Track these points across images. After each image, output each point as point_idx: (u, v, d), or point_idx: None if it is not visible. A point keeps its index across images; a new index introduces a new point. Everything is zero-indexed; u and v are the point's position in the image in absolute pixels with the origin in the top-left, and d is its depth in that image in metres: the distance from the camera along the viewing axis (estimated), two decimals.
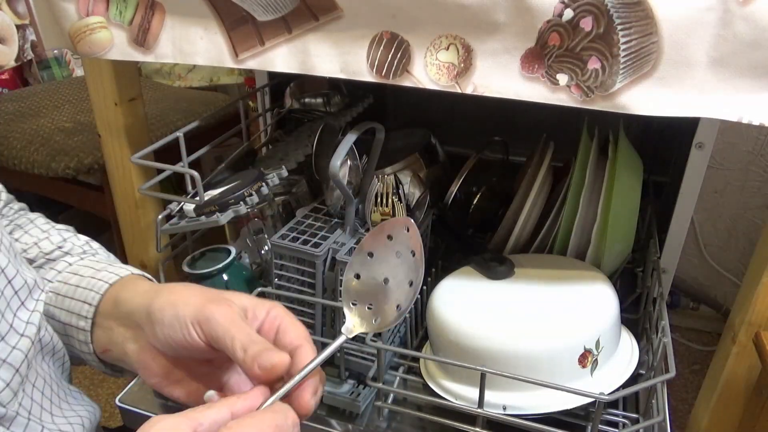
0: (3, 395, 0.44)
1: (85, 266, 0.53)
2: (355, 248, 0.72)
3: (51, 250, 0.55)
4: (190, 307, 0.42)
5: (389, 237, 0.44)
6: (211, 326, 0.41)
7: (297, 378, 0.39)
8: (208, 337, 0.41)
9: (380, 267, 0.44)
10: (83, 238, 0.59)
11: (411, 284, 0.43)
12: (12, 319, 0.46)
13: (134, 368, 0.47)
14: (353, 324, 0.43)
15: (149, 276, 0.53)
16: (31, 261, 0.54)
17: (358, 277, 0.44)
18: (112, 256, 0.59)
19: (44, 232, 0.57)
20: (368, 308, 0.43)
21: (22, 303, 0.47)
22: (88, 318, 0.48)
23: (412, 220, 0.45)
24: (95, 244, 0.59)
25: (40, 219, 0.59)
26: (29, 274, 0.49)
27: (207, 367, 0.46)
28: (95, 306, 0.48)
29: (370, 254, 0.45)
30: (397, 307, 0.43)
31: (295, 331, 0.43)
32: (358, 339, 0.71)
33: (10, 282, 0.46)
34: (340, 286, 0.70)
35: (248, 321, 0.43)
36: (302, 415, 0.39)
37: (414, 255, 0.44)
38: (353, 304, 0.44)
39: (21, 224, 0.57)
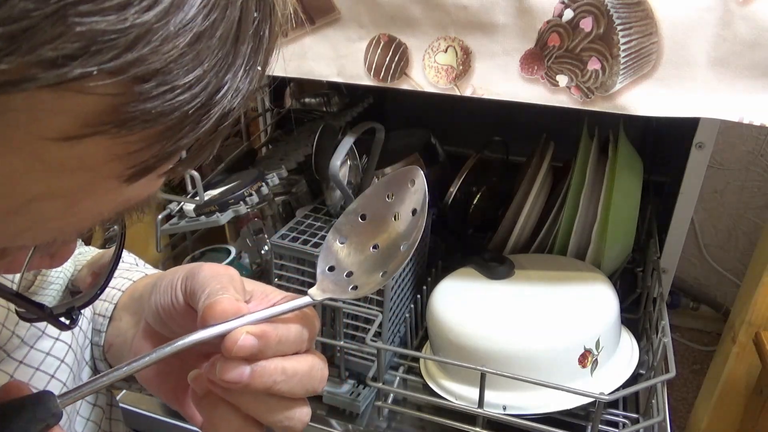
0: None
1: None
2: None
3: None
4: (188, 267, 0.36)
5: (389, 196, 0.37)
6: (193, 280, 0.34)
7: (237, 322, 0.31)
8: (188, 294, 0.34)
9: (372, 231, 0.37)
10: (125, 255, 0.55)
11: (401, 248, 0.36)
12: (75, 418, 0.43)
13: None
14: (324, 288, 0.36)
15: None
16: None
17: (342, 242, 0.38)
18: (137, 259, 0.55)
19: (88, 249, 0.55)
20: (346, 276, 0.37)
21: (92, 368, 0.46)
22: (102, 331, 0.45)
23: (420, 171, 0.36)
24: (125, 254, 0.55)
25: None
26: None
27: (203, 362, 0.37)
28: (109, 317, 0.45)
29: (363, 216, 0.38)
30: (382, 274, 0.36)
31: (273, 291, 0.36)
32: (358, 339, 0.71)
33: (83, 354, 0.44)
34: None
35: (252, 300, 0.36)
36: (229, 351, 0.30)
37: (414, 214, 0.36)
38: (329, 269, 0.37)
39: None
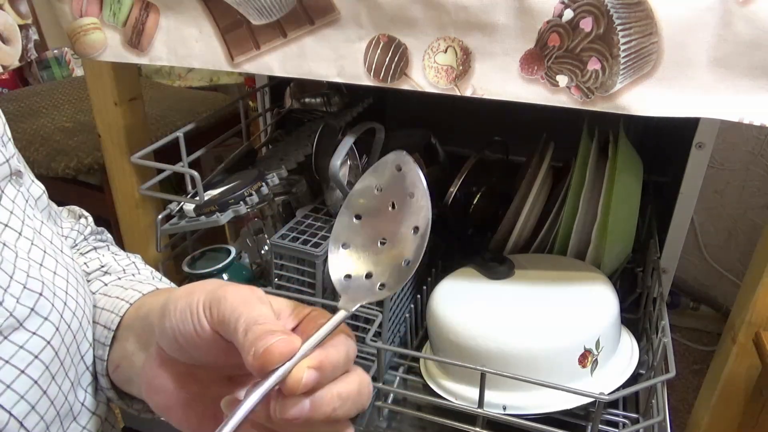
0: None
1: (117, 286, 0.47)
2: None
3: (93, 269, 0.50)
4: (207, 290, 0.34)
5: (377, 189, 0.36)
6: (220, 307, 0.32)
7: (290, 363, 0.30)
8: (216, 322, 0.32)
9: (373, 227, 0.36)
10: (141, 266, 0.52)
11: (416, 231, 0.35)
12: (84, 397, 0.42)
13: (141, 388, 0.38)
14: (351, 297, 0.34)
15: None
16: None
17: (346, 248, 0.36)
18: (153, 272, 0.53)
19: (104, 256, 0.53)
20: (366, 278, 0.35)
21: (95, 378, 0.43)
22: (106, 345, 0.42)
23: (405, 155, 0.35)
24: (143, 265, 0.53)
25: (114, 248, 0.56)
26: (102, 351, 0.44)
27: (227, 387, 0.37)
28: (114, 330, 0.43)
29: (357, 216, 0.36)
30: (406, 262, 0.34)
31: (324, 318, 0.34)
32: (358, 339, 0.71)
33: (83, 357, 0.42)
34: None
35: (280, 319, 0.33)
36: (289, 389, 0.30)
37: (413, 197, 0.35)
38: (346, 277, 0.35)
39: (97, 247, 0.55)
